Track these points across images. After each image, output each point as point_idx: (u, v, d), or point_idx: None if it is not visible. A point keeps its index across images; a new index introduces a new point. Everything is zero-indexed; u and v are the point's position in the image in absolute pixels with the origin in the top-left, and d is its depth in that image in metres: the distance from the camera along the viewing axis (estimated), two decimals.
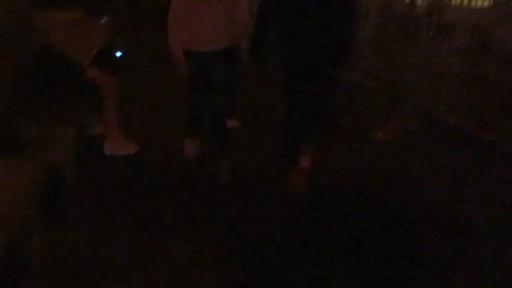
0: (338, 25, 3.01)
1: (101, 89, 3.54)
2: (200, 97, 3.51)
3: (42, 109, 3.56)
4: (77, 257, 2.45)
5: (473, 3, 11.16)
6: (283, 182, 3.33)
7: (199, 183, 3.37)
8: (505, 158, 4.06)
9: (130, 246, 2.57)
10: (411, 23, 6.00)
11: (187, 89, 3.52)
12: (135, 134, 3.87)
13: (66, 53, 3.47)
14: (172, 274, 2.35)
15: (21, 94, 3.08)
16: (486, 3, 10.46)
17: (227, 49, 3.32)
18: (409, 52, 5.54)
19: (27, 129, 3.08)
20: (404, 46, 5.82)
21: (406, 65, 5.44)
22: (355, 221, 2.94)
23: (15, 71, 2.90)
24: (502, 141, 4.23)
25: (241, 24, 3.31)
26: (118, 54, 3.87)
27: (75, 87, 3.53)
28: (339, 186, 3.44)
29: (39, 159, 2.85)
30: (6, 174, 2.54)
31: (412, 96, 4.91)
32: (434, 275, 2.48)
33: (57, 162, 3.02)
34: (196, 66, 3.32)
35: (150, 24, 7.20)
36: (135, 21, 7.35)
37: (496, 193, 3.43)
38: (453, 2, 10.84)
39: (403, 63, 5.53)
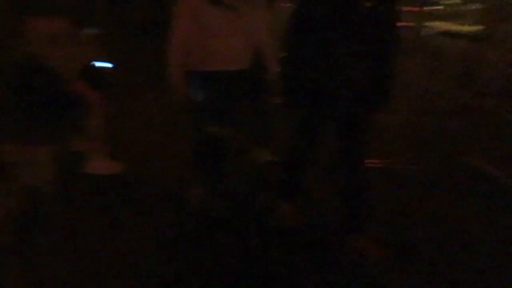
0: (377, 52, 2.49)
1: (86, 105, 3.34)
2: (213, 128, 2.87)
3: (21, 126, 3.39)
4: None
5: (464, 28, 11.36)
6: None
7: (187, 217, 3.04)
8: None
9: (105, 275, 2.44)
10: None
11: (196, 119, 2.92)
12: (121, 154, 3.66)
13: (50, 65, 3.28)
14: None
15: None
16: (476, 28, 10.72)
17: (249, 73, 2.84)
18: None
19: (4, 149, 2.91)
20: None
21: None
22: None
23: None
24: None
25: (263, 39, 2.88)
26: (105, 66, 3.66)
27: (58, 102, 3.32)
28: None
29: (16, 181, 2.71)
30: None
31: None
32: None
33: (35, 184, 2.85)
34: (210, 89, 2.81)
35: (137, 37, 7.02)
36: (122, 34, 7.17)
37: None
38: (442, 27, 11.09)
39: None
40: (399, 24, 2.52)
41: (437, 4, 12.60)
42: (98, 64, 3.59)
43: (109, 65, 3.72)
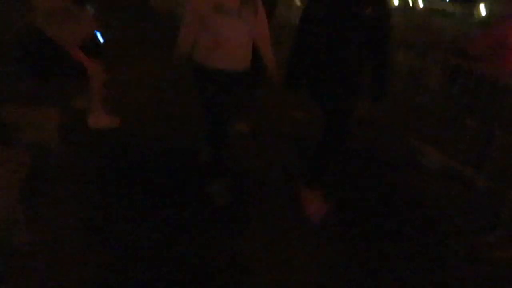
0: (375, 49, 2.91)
1: (87, 70, 3.91)
2: (222, 119, 3.11)
3: (27, 90, 3.78)
4: (61, 244, 2.55)
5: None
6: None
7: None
8: None
9: (113, 231, 2.73)
10: None
11: (206, 114, 3.14)
12: (119, 110, 4.24)
13: (53, 37, 3.77)
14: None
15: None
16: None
17: (247, 72, 3.13)
18: None
19: (11, 111, 3.25)
20: None
21: None
22: None
23: None
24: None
25: (264, 38, 3.15)
26: (101, 40, 4.26)
27: (62, 69, 3.86)
28: None
29: (24, 141, 3.00)
30: None
31: None
32: None
33: (42, 144, 3.19)
34: (215, 87, 3.02)
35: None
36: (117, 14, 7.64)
37: None
38: None
39: None
40: None
41: None
42: (97, 35, 4.19)
43: (102, 39, 4.30)
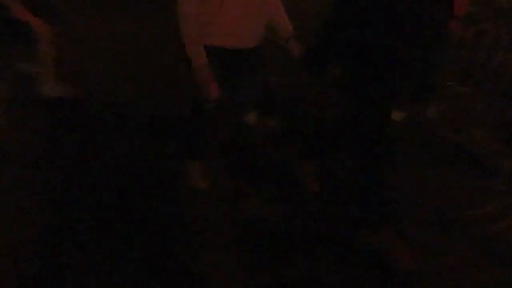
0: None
1: (32, 31, 3.48)
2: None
3: None
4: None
5: None
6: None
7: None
8: None
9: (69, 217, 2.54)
10: None
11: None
12: (70, 76, 3.86)
13: None
14: None
15: None
16: None
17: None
18: None
19: None
20: None
21: None
22: None
23: None
24: None
25: (275, 3, 2.61)
26: None
27: (4, 30, 3.45)
28: None
29: None
30: None
31: None
32: None
33: None
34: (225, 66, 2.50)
35: None
36: None
37: None
38: None
39: None
40: None
41: None
42: None
43: None
